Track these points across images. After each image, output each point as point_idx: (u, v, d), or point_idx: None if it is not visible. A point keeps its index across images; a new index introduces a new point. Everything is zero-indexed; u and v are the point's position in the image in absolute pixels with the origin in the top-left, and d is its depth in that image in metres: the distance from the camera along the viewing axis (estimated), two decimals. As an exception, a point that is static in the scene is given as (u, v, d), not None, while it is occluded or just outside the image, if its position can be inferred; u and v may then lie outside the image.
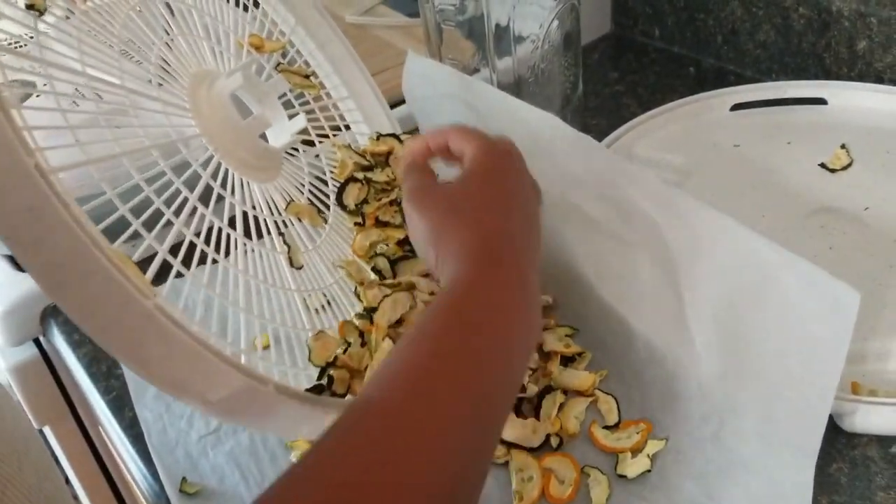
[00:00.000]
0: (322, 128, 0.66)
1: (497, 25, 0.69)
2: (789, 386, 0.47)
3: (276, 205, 0.57)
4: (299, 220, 0.59)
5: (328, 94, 0.68)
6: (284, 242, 0.56)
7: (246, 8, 0.63)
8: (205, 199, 0.49)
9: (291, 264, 0.56)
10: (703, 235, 0.50)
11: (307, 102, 0.65)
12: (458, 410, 0.35)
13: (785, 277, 0.45)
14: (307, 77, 0.63)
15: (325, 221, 0.61)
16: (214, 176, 0.51)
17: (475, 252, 0.42)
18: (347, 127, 0.68)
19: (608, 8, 0.99)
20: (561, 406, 0.56)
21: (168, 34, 0.55)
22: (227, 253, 0.51)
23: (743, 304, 0.48)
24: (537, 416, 0.55)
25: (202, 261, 0.49)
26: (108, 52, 0.50)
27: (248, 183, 0.55)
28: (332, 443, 0.33)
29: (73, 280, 0.34)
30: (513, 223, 0.45)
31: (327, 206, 0.62)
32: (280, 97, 0.60)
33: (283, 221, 0.58)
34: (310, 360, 0.52)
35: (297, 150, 0.63)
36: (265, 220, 0.56)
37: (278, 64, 0.62)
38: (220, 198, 0.51)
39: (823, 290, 0.43)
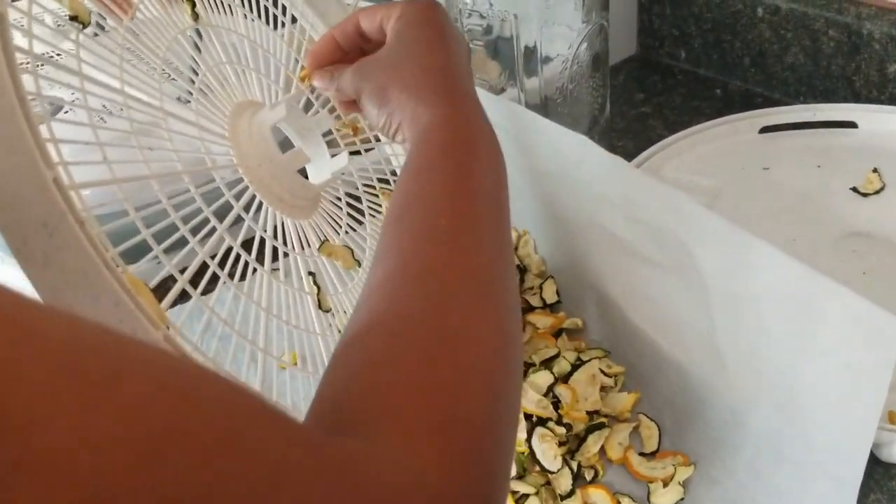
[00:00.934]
0: (366, 170, 0.64)
1: (524, 46, 0.69)
2: (828, 416, 0.45)
3: (308, 242, 0.56)
4: (332, 261, 0.58)
5: (376, 138, 0.66)
6: (314, 283, 0.55)
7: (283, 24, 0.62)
8: (232, 227, 0.48)
9: (320, 306, 0.55)
10: (738, 260, 0.49)
11: (354, 143, 0.64)
12: (492, 252, 0.36)
13: (824, 305, 0.44)
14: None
15: (359, 265, 0.59)
16: (247, 208, 0.50)
17: (435, 97, 0.43)
18: (394, 173, 0.66)
19: (634, 29, 0.99)
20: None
21: (215, 60, 0.54)
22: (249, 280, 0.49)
23: (779, 331, 0.47)
24: (575, 451, 0.54)
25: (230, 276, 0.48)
26: (148, 72, 0.49)
27: (281, 218, 0.54)
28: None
29: (81, 302, 0.32)
30: (460, 65, 0.46)
31: (363, 249, 0.61)
32: (324, 135, 0.59)
33: (315, 261, 0.56)
34: None
35: (338, 192, 0.61)
36: (296, 259, 0.55)
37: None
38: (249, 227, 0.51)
39: (865, 319, 0.42)
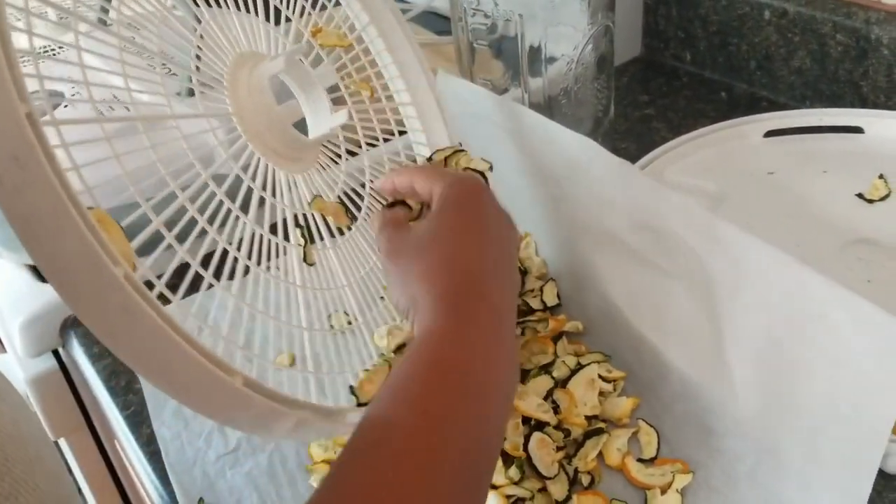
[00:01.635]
0: (373, 129, 0.63)
1: (529, 46, 0.68)
2: (836, 427, 0.45)
3: (301, 200, 0.55)
4: (323, 218, 0.57)
5: (389, 97, 0.65)
6: (302, 235, 0.54)
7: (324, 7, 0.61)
8: (229, 194, 0.48)
9: (305, 259, 0.54)
10: (747, 267, 0.48)
11: (363, 102, 0.63)
12: (449, 474, 0.34)
13: (834, 313, 0.43)
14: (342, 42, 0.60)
15: (353, 221, 0.58)
16: (244, 168, 0.50)
17: (446, 297, 0.40)
18: (402, 132, 0.66)
19: (639, 30, 0.99)
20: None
21: (221, 8, 0.53)
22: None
23: (787, 339, 0.47)
24: (573, 456, 0.53)
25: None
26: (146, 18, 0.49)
27: (273, 171, 0.53)
28: None
29: (49, 234, 0.32)
30: (486, 260, 0.43)
31: (358, 209, 0.60)
32: (330, 91, 0.58)
33: (304, 215, 0.55)
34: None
35: (338, 150, 0.60)
36: (283, 210, 0.53)
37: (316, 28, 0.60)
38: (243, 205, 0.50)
39: (876, 327, 0.41)
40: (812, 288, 0.44)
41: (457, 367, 0.38)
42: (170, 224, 0.43)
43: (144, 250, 0.39)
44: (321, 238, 0.56)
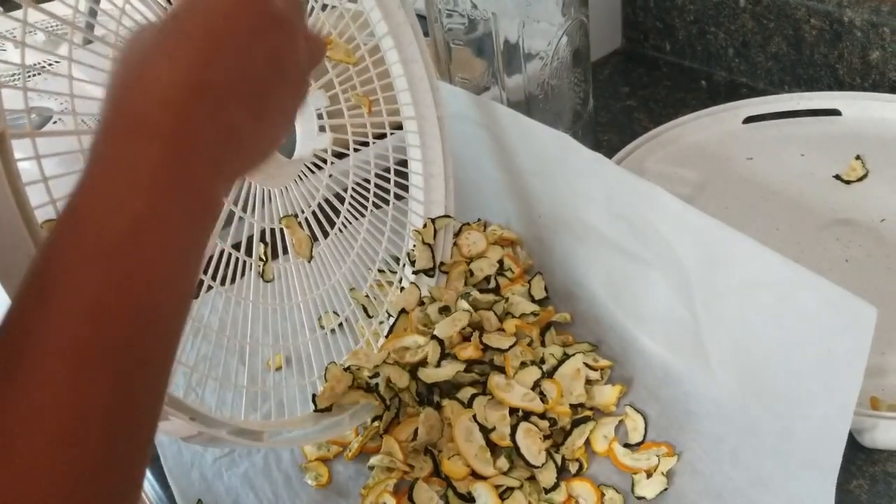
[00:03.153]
0: (364, 135, 0.62)
1: (506, 43, 0.70)
2: (807, 404, 0.46)
3: (272, 215, 0.55)
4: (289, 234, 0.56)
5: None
6: (264, 253, 0.54)
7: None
8: None
9: (262, 276, 0.54)
10: (718, 253, 0.50)
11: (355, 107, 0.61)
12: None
13: (801, 294, 0.45)
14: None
15: (310, 258, 0.57)
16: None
17: (118, 120, 0.29)
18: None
19: (618, 23, 0.99)
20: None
21: None
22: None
23: (759, 322, 0.48)
24: (560, 445, 0.54)
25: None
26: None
27: (249, 185, 0.53)
28: None
29: (3, 248, 0.34)
30: (215, 74, 0.30)
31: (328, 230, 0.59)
32: (317, 110, 0.58)
33: (272, 230, 0.55)
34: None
35: (324, 156, 0.60)
36: (253, 224, 0.52)
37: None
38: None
39: (840, 306, 0.43)
40: (778, 271, 0.45)
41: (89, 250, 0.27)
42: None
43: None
44: (285, 253, 0.56)
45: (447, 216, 0.65)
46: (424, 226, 0.64)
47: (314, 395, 0.55)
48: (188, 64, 0.30)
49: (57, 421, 0.26)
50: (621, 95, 0.92)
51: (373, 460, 0.54)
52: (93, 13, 0.61)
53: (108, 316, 0.27)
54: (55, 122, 0.85)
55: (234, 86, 0.31)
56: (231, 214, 0.51)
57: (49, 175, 0.39)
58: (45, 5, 0.44)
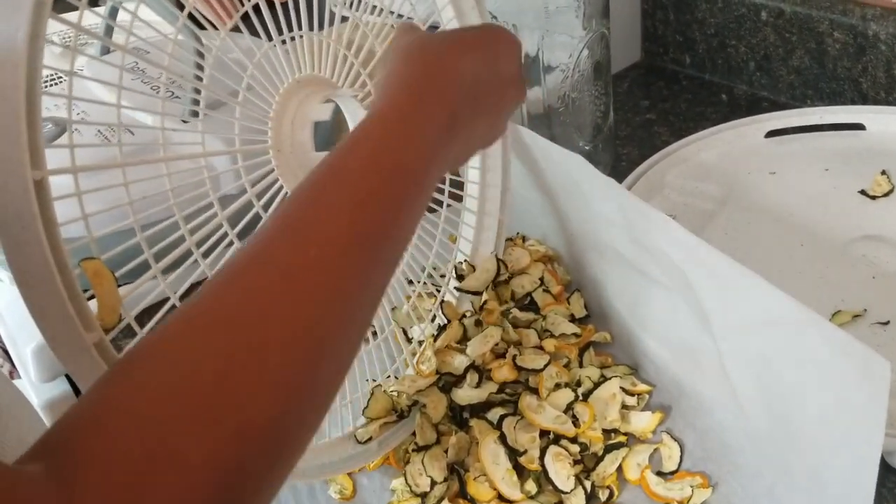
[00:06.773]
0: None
1: (526, 56, 0.69)
2: (833, 451, 0.44)
3: None
4: None
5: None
6: None
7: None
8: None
9: None
10: (729, 287, 0.47)
11: None
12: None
13: (811, 337, 0.43)
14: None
15: None
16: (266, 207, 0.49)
17: (405, 81, 0.39)
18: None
19: (638, 36, 0.99)
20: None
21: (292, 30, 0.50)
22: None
23: (778, 360, 0.46)
24: (591, 470, 0.53)
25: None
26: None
27: None
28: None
29: (37, 294, 0.34)
30: (470, 69, 0.40)
31: None
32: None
33: None
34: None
35: None
36: None
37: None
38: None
39: (852, 354, 0.41)
40: (786, 310, 0.43)
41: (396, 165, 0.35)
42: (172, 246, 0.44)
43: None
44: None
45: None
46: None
47: (355, 427, 0.54)
48: (473, 70, 0.40)
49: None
50: (641, 109, 0.91)
51: (395, 483, 0.53)
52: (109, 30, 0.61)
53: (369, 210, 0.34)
54: (75, 132, 0.85)
55: (484, 98, 0.41)
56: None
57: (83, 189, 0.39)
58: (65, 15, 0.44)
